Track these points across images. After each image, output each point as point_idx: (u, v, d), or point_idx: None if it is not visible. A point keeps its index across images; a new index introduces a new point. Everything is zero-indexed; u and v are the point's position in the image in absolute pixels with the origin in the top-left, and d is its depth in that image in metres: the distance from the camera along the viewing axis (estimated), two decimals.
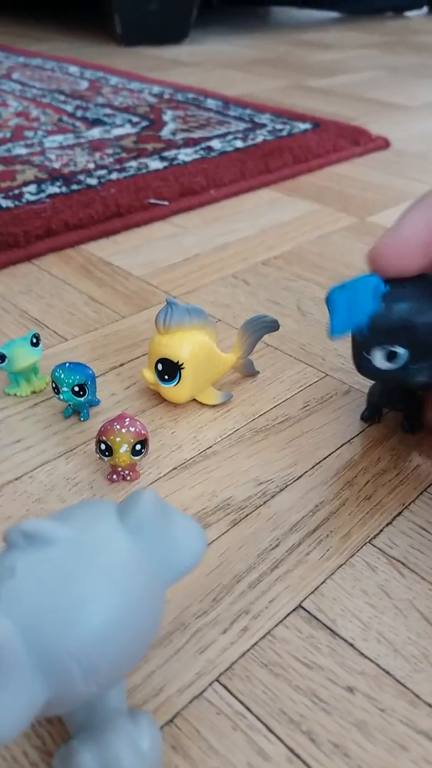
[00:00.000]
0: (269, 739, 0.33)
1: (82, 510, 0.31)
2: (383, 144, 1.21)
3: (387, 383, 0.50)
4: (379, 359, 0.47)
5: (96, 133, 1.21)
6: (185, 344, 0.53)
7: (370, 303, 0.46)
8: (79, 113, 1.34)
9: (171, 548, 0.30)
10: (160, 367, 0.54)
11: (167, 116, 1.31)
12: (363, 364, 0.49)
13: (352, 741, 0.33)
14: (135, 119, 1.30)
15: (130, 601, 0.28)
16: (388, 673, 0.36)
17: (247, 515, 0.46)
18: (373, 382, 0.54)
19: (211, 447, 0.52)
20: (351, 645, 0.38)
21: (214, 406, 0.56)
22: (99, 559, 0.28)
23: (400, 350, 0.46)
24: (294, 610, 0.39)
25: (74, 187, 0.94)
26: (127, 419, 0.47)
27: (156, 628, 0.30)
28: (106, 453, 0.46)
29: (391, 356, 0.47)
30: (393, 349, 0.46)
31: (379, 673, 0.36)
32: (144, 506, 0.30)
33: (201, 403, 0.56)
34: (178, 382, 0.54)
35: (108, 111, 1.36)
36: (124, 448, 0.46)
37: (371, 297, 0.46)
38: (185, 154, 1.08)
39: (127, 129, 1.23)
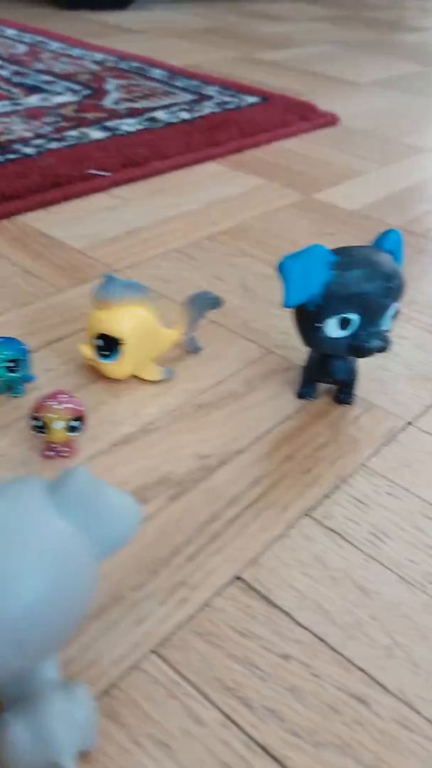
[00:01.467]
0: (204, 705, 0.34)
1: (7, 487, 0.31)
2: (331, 120, 1.23)
3: (335, 354, 0.52)
4: (332, 328, 0.49)
5: (34, 100, 1.18)
6: (125, 320, 0.54)
7: (322, 272, 0.48)
8: (17, 79, 1.31)
9: (103, 524, 0.31)
10: (99, 342, 0.54)
11: (110, 85, 1.30)
12: (314, 335, 0.51)
13: (286, 705, 0.35)
14: (76, 87, 1.28)
15: (57, 576, 0.29)
16: (322, 640, 0.38)
17: (186, 489, 0.47)
18: (307, 358, 0.56)
19: (152, 423, 0.53)
20: (287, 614, 0.39)
21: (155, 382, 0.57)
22: (24, 534, 0.29)
23: (354, 316, 0.48)
24: (231, 581, 0.41)
25: (10, 156, 0.92)
26: (63, 395, 0.47)
27: (87, 602, 0.31)
28: (41, 430, 0.46)
29: (344, 323, 0.49)
30: (347, 316, 0.48)
31: (313, 640, 0.38)
32: (74, 483, 0.31)
33: (142, 380, 0.57)
34: (118, 358, 0.54)
35: (48, 78, 1.33)
36: (60, 425, 0.46)
37: (322, 266, 0.48)
38: (128, 125, 1.07)
39: (68, 97, 1.21)
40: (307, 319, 0.50)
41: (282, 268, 0.48)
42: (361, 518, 0.46)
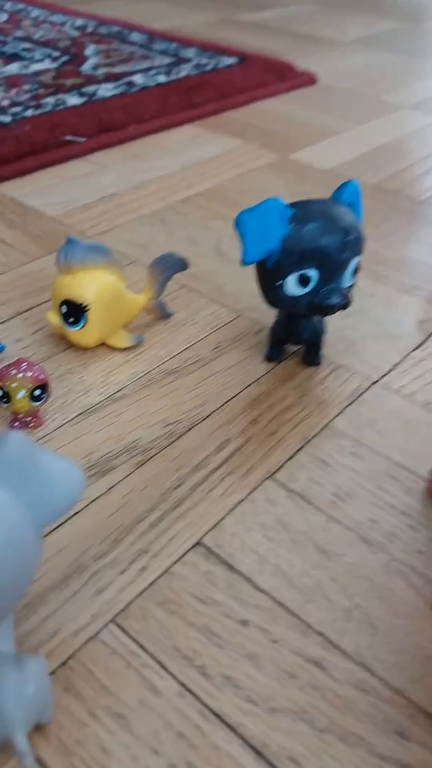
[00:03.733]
0: (161, 675, 0.32)
1: None
2: (309, 80, 1.16)
3: (295, 312, 0.49)
4: (292, 285, 0.46)
5: (13, 68, 1.12)
6: (90, 285, 0.50)
7: (278, 226, 0.44)
8: None
9: (42, 490, 0.29)
10: (64, 309, 0.51)
11: (89, 50, 1.23)
12: (275, 294, 0.47)
13: (243, 673, 0.33)
14: (55, 54, 1.20)
15: None
16: (281, 605, 0.36)
17: (152, 456, 0.44)
18: (274, 320, 0.52)
19: (120, 390, 0.50)
20: (247, 579, 0.37)
21: (125, 349, 0.54)
22: None
23: (312, 273, 0.45)
24: (193, 546, 0.38)
25: None
26: (24, 363, 0.44)
27: (30, 569, 0.29)
28: (4, 399, 0.44)
29: (303, 280, 0.45)
30: (305, 272, 0.45)
31: (273, 605, 0.36)
32: (8, 449, 0.28)
33: (111, 347, 0.53)
34: (84, 324, 0.51)
35: (27, 45, 1.26)
36: (22, 393, 0.43)
37: (279, 220, 0.44)
38: (105, 90, 1.01)
39: (47, 64, 1.15)
40: (267, 276, 0.46)
41: (238, 224, 0.45)
42: (324, 479, 0.43)
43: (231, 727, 0.31)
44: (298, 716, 0.31)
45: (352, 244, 0.45)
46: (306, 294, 0.46)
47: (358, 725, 0.31)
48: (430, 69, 1.33)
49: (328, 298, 0.45)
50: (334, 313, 0.46)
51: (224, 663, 0.33)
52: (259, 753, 0.30)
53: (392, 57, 1.39)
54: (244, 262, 0.45)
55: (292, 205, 0.45)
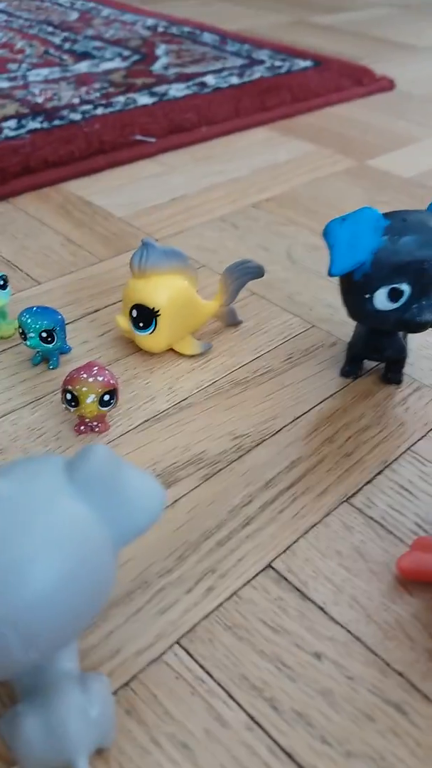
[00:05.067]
0: (229, 705, 0.32)
1: (24, 466, 0.28)
2: (387, 85, 1.15)
3: (383, 328, 0.47)
4: (381, 299, 0.44)
5: (84, 66, 1.14)
6: (162, 289, 0.50)
7: (371, 237, 0.43)
8: (67, 46, 1.27)
9: (123, 507, 0.28)
10: (134, 313, 0.51)
11: (160, 50, 1.24)
12: (362, 307, 0.46)
13: (317, 710, 0.32)
14: (126, 53, 1.23)
15: (72, 564, 0.26)
16: (358, 639, 0.34)
17: (219, 470, 0.44)
18: (352, 333, 0.51)
19: (186, 399, 0.49)
20: (321, 609, 0.36)
21: (192, 356, 0.53)
22: (39, 518, 0.26)
23: (405, 287, 0.44)
24: (263, 570, 0.37)
25: (56, 122, 0.89)
26: (95, 368, 0.44)
27: (105, 591, 0.28)
28: (72, 403, 0.44)
29: (394, 295, 0.44)
30: (397, 286, 0.44)
31: (349, 639, 0.34)
32: (93, 462, 0.28)
33: (179, 353, 0.53)
34: (153, 329, 0.51)
35: (98, 44, 1.29)
36: (91, 398, 0.43)
37: (373, 231, 0.43)
38: (176, 90, 1.02)
39: (117, 63, 1.17)
40: (355, 289, 0.45)
41: (327, 233, 0.44)
42: (405, 507, 0.41)
43: None
44: (376, 763, 0.30)
45: None
46: (396, 309, 0.44)
47: None
48: None
49: (419, 315, 0.44)
50: (424, 330, 0.45)
51: (296, 697, 0.32)
52: None
53: None
54: (332, 273, 0.44)
55: (388, 215, 0.44)
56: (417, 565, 0.37)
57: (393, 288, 0.43)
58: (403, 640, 0.35)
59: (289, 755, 0.30)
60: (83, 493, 0.27)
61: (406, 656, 0.34)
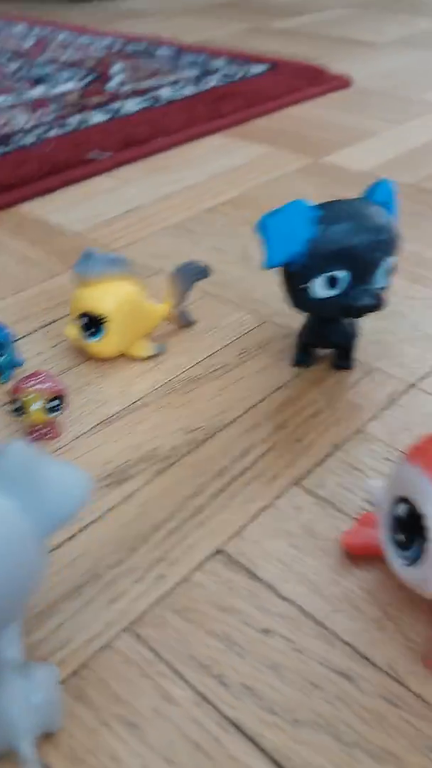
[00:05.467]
0: (177, 684, 0.33)
1: None
2: (343, 83, 1.19)
3: (325, 315, 0.50)
4: (319, 287, 0.47)
5: (38, 91, 1.18)
6: (108, 296, 0.52)
7: (304, 228, 0.46)
8: (22, 72, 1.31)
9: (46, 498, 0.30)
10: (84, 321, 0.53)
11: (115, 68, 1.28)
12: (301, 297, 0.48)
13: (265, 683, 0.33)
14: (81, 74, 1.27)
15: None
16: (307, 614, 0.36)
17: (172, 464, 0.45)
18: (301, 324, 0.53)
19: (139, 400, 0.51)
20: (271, 587, 0.37)
21: (146, 359, 0.55)
22: None
23: (341, 274, 0.46)
24: (213, 554, 0.39)
25: (9, 147, 0.92)
26: (42, 375, 0.46)
27: (31, 578, 0.30)
28: (19, 411, 0.46)
29: (332, 282, 0.46)
30: (334, 273, 0.46)
31: (298, 614, 0.36)
32: (11, 458, 0.30)
33: (131, 357, 0.55)
34: (103, 336, 0.53)
35: (53, 68, 1.33)
36: (38, 405, 0.45)
37: (304, 222, 0.45)
38: (131, 105, 1.06)
39: (72, 85, 1.21)
40: (293, 279, 0.47)
41: (260, 227, 0.46)
42: (355, 485, 0.43)
43: (250, 739, 0.31)
44: (324, 729, 0.31)
45: (383, 243, 0.45)
46: (335, 296, 0.46)
47: (389, 741, 0.31)
48: None
49: (358, 300, 0.46)
50: (365, 314, 0.47)
51: (244, 672, 0.33)
52: (279, 765, 0.30)
53: (431, 57, 1.40)
54: (266, 266, 0.46)
55: (320, 206, 0.46)
56: (361, 540, 0.38)
57: (330, 276, 0.45)
58: (351, 611, 0.36)
59: (237, 727, 0.31)
60: (3, 486, 0.29)
61: (353, 627, 0.35)
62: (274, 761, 0.30)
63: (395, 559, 0.34)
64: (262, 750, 0.30)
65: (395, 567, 0.34)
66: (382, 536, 0.35)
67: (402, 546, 0.33)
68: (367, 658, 0.34)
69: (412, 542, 0.32)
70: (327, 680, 0.33)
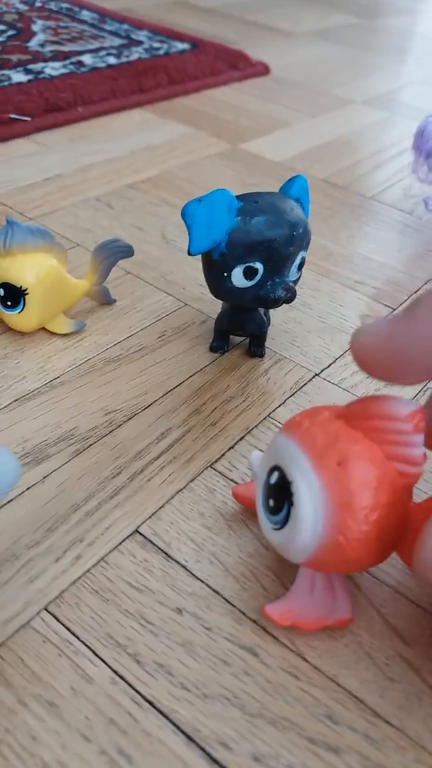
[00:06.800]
0: (94, 663, 0.33)
1: None
2: (262, 70, 1.18)
3: (241, 305, 0.50)
4: (238, 277, 0.46)
5: None
6: (29, 268, 0.50)
7: (226, 218, 0.45)
8: None
9: None
10: (1, 292, 0.50)
11: (37, 26, 1.20)
12: (221, 285, 0.48)
13: (177, 660, 0.33)
14: (1, 27, 1.18)
15: None
16: (217, 592, 0.37)
17: (90, 445, 0.44)
18: (219, 311, 0.53)
19: (59, 377, 0.49)
20: (183, 567, 0.38)
21: (65, 335, 0.53)
22: None
23: (258, 266, 0.46)
24: (130, 535, 0.39)
25: None
26: None
27: None
28: None
29: (249, 273, 0.46)
30: (251, 265, 0.46)
31: (208, 593, 0.37)
32: None
33: (51, 332, 0.53)
34: (22, 308, 0.50)
35: None
36: None
37: (227, 212, 0.45)
38: (53, 68, 1.00)
39: None
40: (214, 268, 0.47)
41: (185, 214, 0.45)
42: None
43: (163, 713, 0.31)
44: (230, 702, 0.32)
45: (298, 238, 0.46)
46: (252, 287, 0.47)
47: (288, 709, 0.32)
48: (382, 65, 1.36)
49: (273, 292, 0.46)
50: (278, 306, 0.47)
51: (158, 650, 0.34)
52: (190, 738, 0.31)
53: (345, 51, 1.42)
54: (190, 253, 0.45)
55: (241, 197, 0.46)
56: (248, 494, 0.40)
57: (248, 266, 0.45)
58: (258, 590, 0.37)
59: (150, 702, 0.32)
60: None
61: (260, 604, 0.36)
62: (185, 734, 0.31)
63: (266, 524, 0.35)
64: (174, 724, 0.31)
65: (265, 532, 0.35)
66: (257, 504, 0.35)
67: (271, 511, 0.34)
68: (270, 634, 0.35)
69: (281, 509, 0.33)
70: (235, 656, 0.34)
